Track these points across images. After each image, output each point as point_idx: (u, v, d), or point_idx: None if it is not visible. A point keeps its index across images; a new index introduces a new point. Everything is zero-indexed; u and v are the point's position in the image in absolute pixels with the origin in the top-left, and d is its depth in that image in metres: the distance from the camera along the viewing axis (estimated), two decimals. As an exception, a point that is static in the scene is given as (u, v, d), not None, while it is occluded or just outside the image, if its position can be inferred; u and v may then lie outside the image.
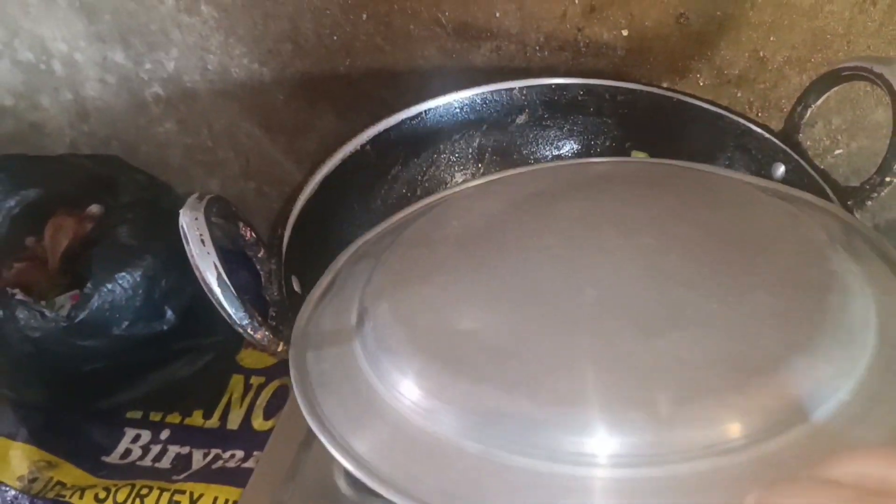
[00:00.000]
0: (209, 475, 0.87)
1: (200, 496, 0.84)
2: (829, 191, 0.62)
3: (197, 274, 0.51)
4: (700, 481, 0.38)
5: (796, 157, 0.65)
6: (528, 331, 0.46)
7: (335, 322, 0.55)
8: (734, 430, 0.40)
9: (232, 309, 0.51)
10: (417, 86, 0.86)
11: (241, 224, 0.59)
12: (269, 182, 1.04)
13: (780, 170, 0.66)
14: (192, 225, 0.51)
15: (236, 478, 0.87)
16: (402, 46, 0.83)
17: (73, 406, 0.96)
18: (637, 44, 0.76)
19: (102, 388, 0.96)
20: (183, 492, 0.85)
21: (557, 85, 0.74)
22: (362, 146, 0.71)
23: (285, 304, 0.57)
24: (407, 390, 0.46)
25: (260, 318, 0.53)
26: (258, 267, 0.61)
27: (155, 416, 0.97)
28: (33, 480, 0.89)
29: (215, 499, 0.84)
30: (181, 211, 0.52)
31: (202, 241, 0.51)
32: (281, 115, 0.95)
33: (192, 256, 0.50)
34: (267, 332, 0.53)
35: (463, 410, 0.43)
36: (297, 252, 0.62)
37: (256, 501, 0.64)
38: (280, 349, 0.55)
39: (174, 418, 0.97)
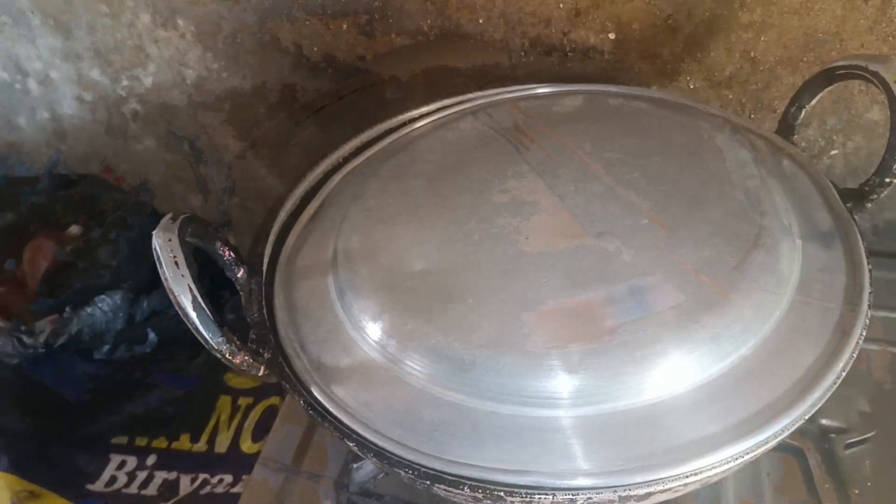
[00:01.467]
0: (198, 501, 0.85)
1: (188, 524, 0.82)
2: (826, 193, 0.60)
3: (171, 297, 0.48)
4: (597, 425, 0.46)
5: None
6: (473, 277, 0.51)
7: (315, 254, 0.59)
8: (635, 380, 0.46)
9: (208, 333, 0.48)
10: (401, 95, 0.84)
11: (218, 244, 0.57)
12: (253, 197, 1.02)
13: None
14: (165, 247, 0.48)
15: (224, 504, 0.84)
16: (385, 55, 0.81)
17: (56, 433, 0.93)
18: (625, 47, 0.74)
19: (85, 414, 0.93)
20: (169, 520, 0.82)
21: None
22: (344, 159, 0.69)
23: (265, 325, 0.55)
24: (367, 327, 0.51)
25: (239, 343, 0.50)
26: (238, 288, 0.58)
27: (141, 442, 0.95)
28: (16, 512, 0.86)
29: (203, 527, 0.82)
30: (154, 233, 0.49)
31: (176, 264, 0.48)
32: (263, 128, 0.92)
33: (166, 280, 0.48)
34: (247, 357, 0.50)
35: (407, 348, 0.49)
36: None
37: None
38: (261, 374, 0.52)
39: (160, 443, 0.94)
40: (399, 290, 0.52)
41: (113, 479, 0.91)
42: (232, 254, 0.58)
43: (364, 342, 0.52)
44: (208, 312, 0.49)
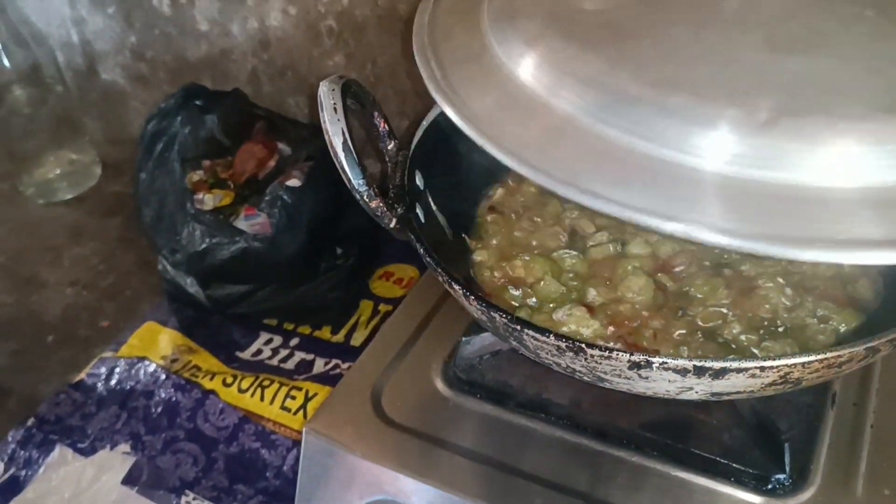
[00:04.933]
0: (326, 379, 0.93)
1: (315, 395, 0.90)
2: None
3: (326, 138, 0.55)
4: (743, 188, 0.40)
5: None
6: (658, 21, 0.47)
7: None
8: (799, 157, 0.40)
9: (352, 174, 0.55)
10: None
11: (376, 114, 0.63)
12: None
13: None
14: (328, 94, 0.56)
15: (349, 384, 0.92)
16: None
17: (222, 303, 1.04)
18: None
19: (247, 296, 1.03)
20: (300, 388, 0.91)
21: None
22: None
23: (404, 188, 0.61)
24: (518, 50, 0.48)
25: (377, 190, 0.56)
26: (386, 158, 0.65)
27: (288, 326, 1.04)
28: (174, 360, 0.98)
29: (327, 398, 0.89)
30: (321, 83, 0.57)
31: (335, 109, 0.55)
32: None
33: (324, 122, 0.55)
34: (381, 204, 0.57)
35: (564, 73, 0.45)
36: (426, 152, 0.65)
37: (357, 384, 0.68)
38: (393, 225, 0.58)
39: (305, 330, 1.04)
40: (565, 20, 0.48)
41: (259, 352, 1.01)
42: (386, 126, 0.65)
43: (512, 65, 0.48)
44: (355, 156, 0.55)
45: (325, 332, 1.03)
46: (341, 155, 0.55)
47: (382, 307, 1.05)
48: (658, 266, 0.63)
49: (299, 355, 0.99)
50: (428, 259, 0.55)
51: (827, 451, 0.59)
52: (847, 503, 0.56)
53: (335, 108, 0.55)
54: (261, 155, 1.05)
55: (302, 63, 1.10)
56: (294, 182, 0.95)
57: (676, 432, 0.60)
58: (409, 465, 0.62)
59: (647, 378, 0.48)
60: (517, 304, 0.62)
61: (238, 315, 1.05)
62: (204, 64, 1.19)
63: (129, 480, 0.84)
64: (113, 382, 0.95)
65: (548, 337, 0.48)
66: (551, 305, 0.61)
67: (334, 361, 0.97)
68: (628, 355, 0.46)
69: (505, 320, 0.50)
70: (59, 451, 0.88)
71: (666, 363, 0.46)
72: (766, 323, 0.58)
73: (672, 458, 0.59)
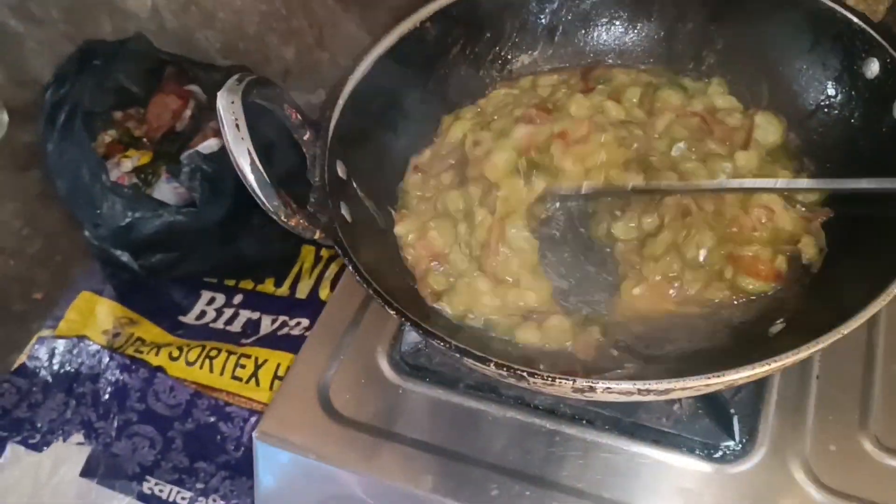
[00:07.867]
0: (274, 341, 0.91)
1: (265, 361, 0.88)
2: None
3: (231, 159, 0.51)
4: None
5: (892, 51, 0.58)
6: None
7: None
8: None
9: (264, 195, 0.51)
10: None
11: (286, 105, 0.58)
12: (343, 53, 1.02)
13: (874, 66, 0.60)
14: (227, 109, 0.50)
15: (298, 346, 0.90)
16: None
17: (157, 269, 1.00)
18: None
19: (182, 259, 0.98)
20: (249, 356, 0.89)
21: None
22: (421, 23, 0.68)
23: (325, 189, 0.57)
24: None
25: (294, 206, 0.53)
26: (304, 150, 0.60)
27: (229, 282, 1.01)
28: (116, 335, 0.95)
29: (278, 365, 0.88)
30: (219, 93, 0.51)
31: (237, 126, 0.50)
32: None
33: (227, 142, 0.50)
34: (301, 220, 0.53)
35: None
36: (345, 136, 0.61)
37: (303, 380, 0.66)
38: (317, 236, 0.55)
39: (247, 284, 1.01)
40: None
41: (203, 313, 0.98)
42: (299, 116, 0.60)
43: None
44: (265, 175, 0.51)
45: (268, 286, 1.00)
46: (251, 178, 0.50)
47: (325, 252, 1.02)
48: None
49: (244, 314, 0.97)
50: (358, 279, 0.52)
51: (774, 410, 0.60)
52: (795, 462, 0.57)
53: (237, 126, 0.50)
54: (174, 106, 0.98)
55: (205, -2, 1.01)
56: (211, 144, 0.89)
57: (626, 406, 0.60)
58: (362, 463, 0.61)
59: (590, 397, 0.47)
60: (441, 289, 0.60)
61: (177, 277, 1.01)
62: (98, 2, 1.09)
63: (87, 472, 0.83)
64: (56, 367, 0.92)
65: (488, 366, 0.46)
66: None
67: (281, 318, 0.95)
68: (571, 382, 0.45)
69: (443, 348, 0.48)
70: (11, 450, 0.86)
71: (610, 388, 0.45)
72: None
73: (623, 431, 0.60)
